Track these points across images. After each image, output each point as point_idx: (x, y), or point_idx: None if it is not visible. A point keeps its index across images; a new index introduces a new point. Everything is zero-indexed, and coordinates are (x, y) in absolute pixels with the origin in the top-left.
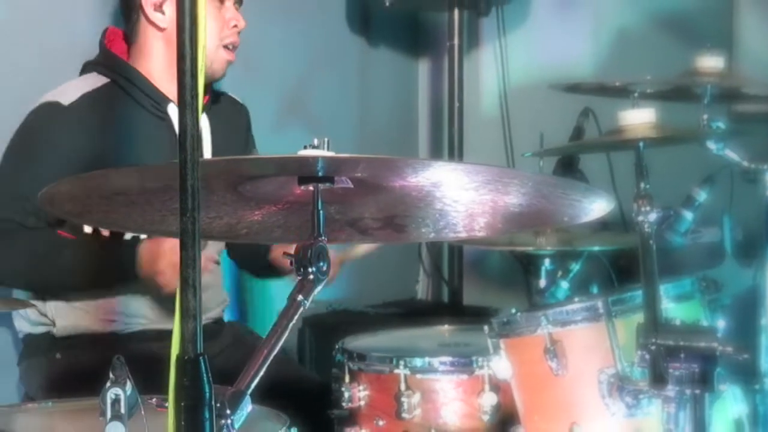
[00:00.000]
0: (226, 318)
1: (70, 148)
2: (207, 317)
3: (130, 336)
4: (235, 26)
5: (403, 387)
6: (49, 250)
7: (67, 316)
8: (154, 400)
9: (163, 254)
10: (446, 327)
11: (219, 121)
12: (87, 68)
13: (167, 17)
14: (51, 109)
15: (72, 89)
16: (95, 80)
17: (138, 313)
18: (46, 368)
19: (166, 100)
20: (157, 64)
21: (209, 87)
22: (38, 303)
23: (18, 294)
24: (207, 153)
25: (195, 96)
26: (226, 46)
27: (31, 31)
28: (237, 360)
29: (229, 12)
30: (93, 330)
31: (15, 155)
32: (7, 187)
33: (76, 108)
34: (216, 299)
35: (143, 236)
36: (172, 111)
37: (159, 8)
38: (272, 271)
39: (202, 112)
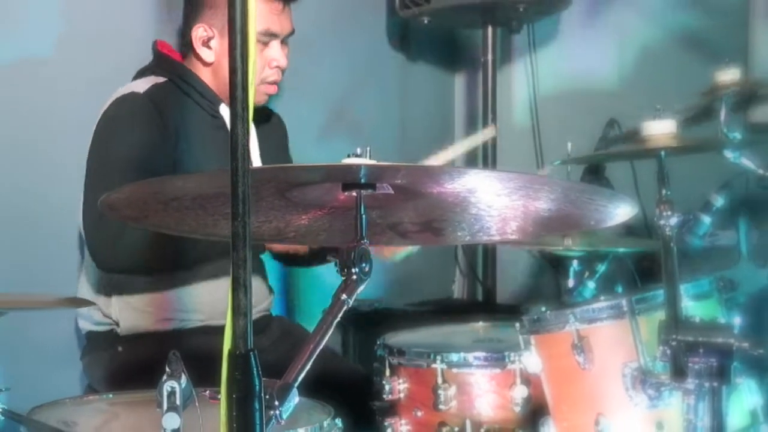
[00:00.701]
0: (274, 313)
1: (150, 129)
2: (256, 311)
3: (185, 333)
4: (277, 66)
5: (440, 380)
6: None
7: (129, 317)
8: (207, 392)
9: None
10: (480, 324)
11: (263, 132)
12: (143, 73)
13: (213, 52)
14: (129, 99)
15: (140, 84)
16: (154, 79)
17: (193, 312)
18: (108, 363)
19: (219, 100)
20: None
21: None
22: (102, 304)
23: (82, 293)
24: (256, 161)
25: (246, 108)
26: (267, 83)
27: (88, 42)
28: (284, 352)
29: (273, 52)
30: (152, 329)
31: (114, 143)
32: (118, 174)
33: (150, 95)
34: (262, 294)
35: None
36: (224, 111)
37: (206, 44)
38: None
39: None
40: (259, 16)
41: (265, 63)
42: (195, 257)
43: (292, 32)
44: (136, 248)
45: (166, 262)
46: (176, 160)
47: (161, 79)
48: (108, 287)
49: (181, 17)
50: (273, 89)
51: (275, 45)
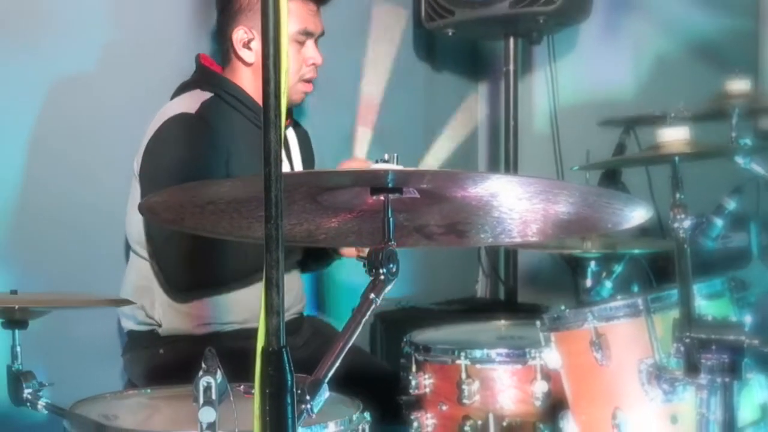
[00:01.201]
0: (306, 313)
1: (204, 148)
2: (290, 313)
3: (223, 335)
4: (313, 63)
5: (464, 375)
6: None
7: (171, 319)
8: (241, 387)
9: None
10: (502, 322)
11: (300, 139)
12: (188, 86)
13: (254, 53)
14: (184, 118)
15: (188, 101)
16: (201, 95)
17: (231, 316)
18: (148, 360)
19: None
20: (247, 89)
21: (290, 111)
22: (147, 306)
23: (126, 294)
24: (298, 164)
25: (278, 115)
26: (304, 80)
27: (130, 56)
28: (316, 350)
29: (309, 51)
30: (192, 331)
31: (168, 163)
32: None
33: (204, 115)
34: (296, 297)
35: None
36: None
37: (247, 45)
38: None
39: (287, 128)
40: (295, 16)
41: (303, 61)
42: (249, 268)
43: (323, 33)
44: (201, 266)
45: (225, 276)
46: (229, 173)
47: (207, 95)
48: (152, 291)
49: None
50: (309, 87)
51: (310, 44)
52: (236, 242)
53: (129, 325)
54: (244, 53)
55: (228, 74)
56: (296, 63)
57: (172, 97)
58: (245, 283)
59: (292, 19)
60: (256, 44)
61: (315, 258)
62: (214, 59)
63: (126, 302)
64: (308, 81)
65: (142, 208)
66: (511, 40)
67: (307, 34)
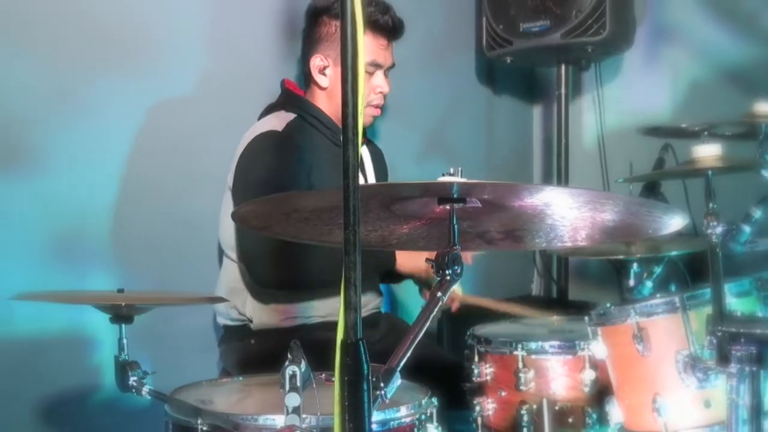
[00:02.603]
0: (383, 310)
1: (289, 161)
2: (367, 309)
3: (308, 328)
4: (381, 92)
5: (520, 365)
6: (326, 255)
7: (261, 315)
8: (323, 375)
9: (418, 267)
10: (555, 317)
11: (374, 158)
12: (275, 108)
13: (328, 78)
14: (271, 135)
15: (275, 121)
16: (286, 116)
17: (315, 310)
18: (241, 352)
19: (339, 129)
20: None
21: (363, 131)
22: (239, 303)
23: (220, 293)
24: (371, 177)
25: (355, 134)
26: (372, 105)
27: (224, 81)
28: (392, 343)
29: (377, 80)
30: (280, 325)
31: (258, 175)
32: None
33: (289, 133)
34: (375, 295)
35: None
36: None
37: (322, 72)
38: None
39: (362, 146)
40: (367, 49)
41: (371, 89)
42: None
43: (393, 65)
44: (285, 267)
45: (305, 278)
46: (311, 185)
47: (291, 115)
48: (245, 291)
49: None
50: (377, 112)
51: (379, 74)
52: (317, 252)
53: (223, 320)
54: (320, 78)
55: (308, 97)
56: (365, 90)
57: (260, 118)
58: (324, 290)
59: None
60: (330, 71)
61: (388, 278)
62: (297, 84)
63: (220, 300)
64: (376, 106)
65: (234, 216)
66: (563, 67)
67: (376, 65)
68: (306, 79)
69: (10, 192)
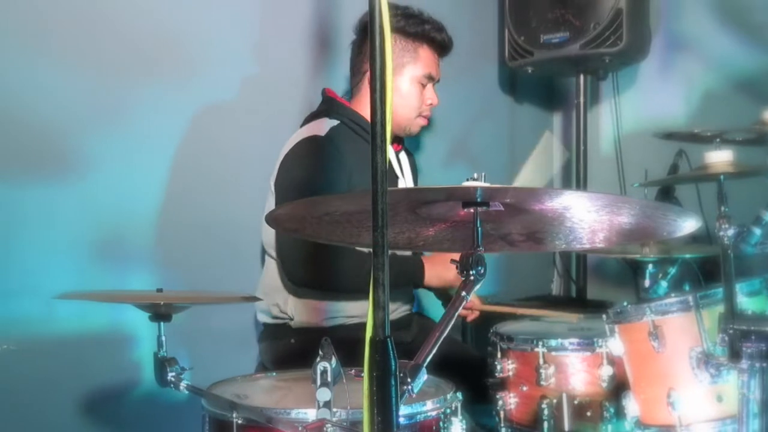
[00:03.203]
0: (414, 310)
1: (330, 165)
2: (401, 311)
3: (346, 327)
4: (431, 104)
5: (541, 361)
6: (361, 262)
7: (302, 314)
8: (353, 371)
9: (450, 270)
10: (574, 316)
11: (409, 161)
12: (317, 115)
13: None
14: (314, 140)
15: (319, 126)
16: (329, 122)
17: (353, 311)
18: (281, 349)
19: None
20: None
21: (401, 139)
22: (281, 302)
23: (263, 293)
24: (409, 181)
25: (384, 140)
26: (422, 116)
27: (265, 88)
28: (422, 342)
29: (429, 92)
30: (320, 324)
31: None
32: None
33: (331, 137)
34: (407, 297)
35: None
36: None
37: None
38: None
39: (398, 154)
40: (423, 62)
41: (423, 101)
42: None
43: (439, 79)
44: (319, 268)
45: (334, 280)
46: (351, 188)
47: (335, 122)
48: (286, 290)
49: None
50: (425, 122)
51: (430, 87)
52: (347, 257)
53: (264, 318)
54: (368, 87)
55: (353, 105)
56: (418, 101)
57: (303, 125)
58: (355, 293)
59: (420, 64)
60: None
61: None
62: (337, 93)
63: (253, 299)
64: (425, 117)
65: (268, 219)
66: (582, 77)
67: (430, 78)
68: (356, 87)
69: (56, 196)
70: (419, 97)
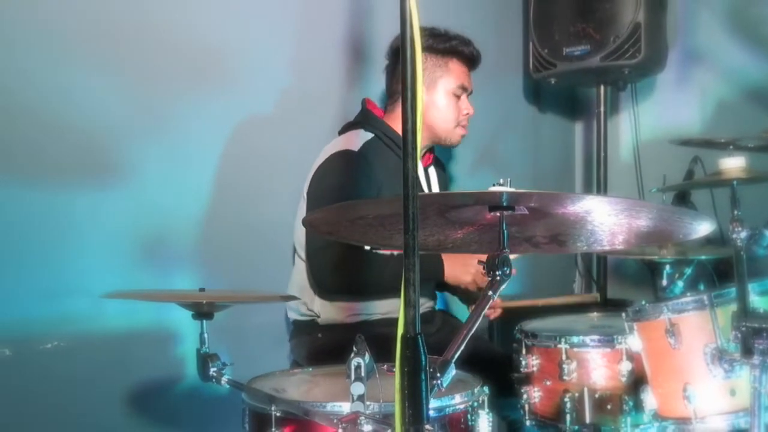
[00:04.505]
0: (437, 308)
1: (361, 179)
2: (424, 307)
3: (370, 323)
4: (467, 114)
5: (564, 357)
6: (382, 267)
7: (328, 312)
8: (385, 366)
9: (468, 272)
10: (595, 314)
11: (438, 173)
12: (354, 125)
13: None
14: (347, 154)
15: (353, 140)
16: (364, 135)
17: (376, 308)
18: (310, 344)
19: None
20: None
21: (432, 149)
22: (308, 301)
23: (292, 292)
24: (436, 189)
25: (414, 149)
26: (461, 126)
27: (301, 100)
28: (445, 337)
29: (464, 103)
30: (345, 321)
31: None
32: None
33: (363, 153)
34: (430, 294)
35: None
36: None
37: None
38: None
39: (427, 168)
40: (455, 74)
41: (459, 111)
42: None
43: (472, 91)
44: (345, 274)
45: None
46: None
47: (369, 135)
48: (313, 289)
49: (383, 76)
50: (464, 131)
51: (464, 98)
52: (373, 263)
53: (294, 316)
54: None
55: (388, 118)
56: (455, 112)
57: (340, 133)
58: (380, 296)
59: (452, 77)
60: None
61: (437, 287)
62: (377, 103)
63: (291, 298)
64: (464, 126)
65: (305, 222)
66: (602, 88)
67: (463, 89)
68: (390, 101)
69: (105, 201)
70: (455, 108)
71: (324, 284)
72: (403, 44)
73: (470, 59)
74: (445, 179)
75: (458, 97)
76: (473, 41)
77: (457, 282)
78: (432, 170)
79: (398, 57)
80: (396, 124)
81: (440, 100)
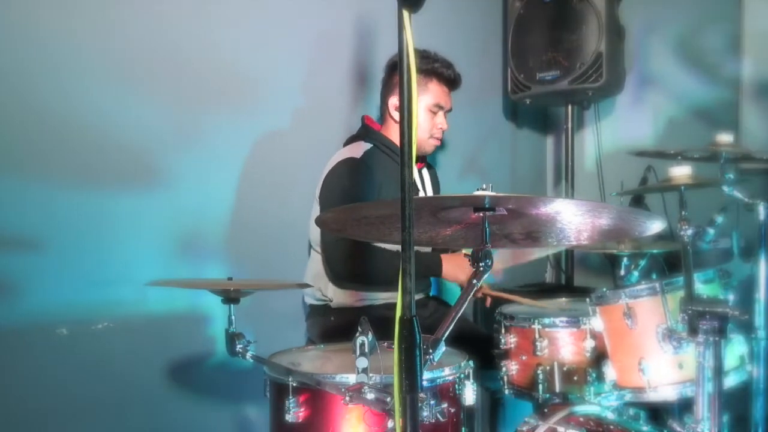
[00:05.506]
0: (431, 294)
1: (364, 183)
2: (419, 295)
3: (374, 307)
4: (441, 128)
5: (537, 336)
6: (388, 261)
7: (339, 297)
8: (386, 343)
9: (463, 272)
10: (563, 299)
11: (432, 177)
12: (355, 138)
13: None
14: (351, 161)
15: (356, 149)
16: (364, 145)
17: (379, 294)
18: (323, 325)
19: None
20: (396, 142)
21: (424, 157)
22: (322, 287)
23: (307, 280)
24: (429, 192)
25: (410, 158)
26: (434, 137)
27: (313, 116)
28: (438, 319)
29: (439, 119)
30: (353, 305)
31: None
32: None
33: (364, 159)
34: (425, 284)
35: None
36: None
37: (397, 109)
38: None
39: (421, 170)
40: (432, 94)
41: (434, 126)
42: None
43: (451, 109)
44: (356, 266)
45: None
46: (380, 198)
47: (369, 145)
48: (327, 277)
49: (379, 96)
50: (437, 142)
51: (441, 114)
52: (380, 257)
53: (310, 300)
54: (395, 114)
55: (383, 130)
56: (429, 125)
57: (344, 145)
58: (386, 287)
59: (429, 96)
60: None
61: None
62: (374, 119)
63: (306, 285)
64: (437, 139)
65: (318, 222)
66: (569, 107)
67: (439, 107)
68: (383, 115)
69: (145, 203)
70: (430, 122)
71: (337, 273)
72: (401, 72)
73: (449, 80)
74: (434, 176)
75: (435, 113)
76: (454, 64)
77: (453, 279)
78: (425, 171)
79: (393, 70)
80: (389, 133)
81: (418, 115)
